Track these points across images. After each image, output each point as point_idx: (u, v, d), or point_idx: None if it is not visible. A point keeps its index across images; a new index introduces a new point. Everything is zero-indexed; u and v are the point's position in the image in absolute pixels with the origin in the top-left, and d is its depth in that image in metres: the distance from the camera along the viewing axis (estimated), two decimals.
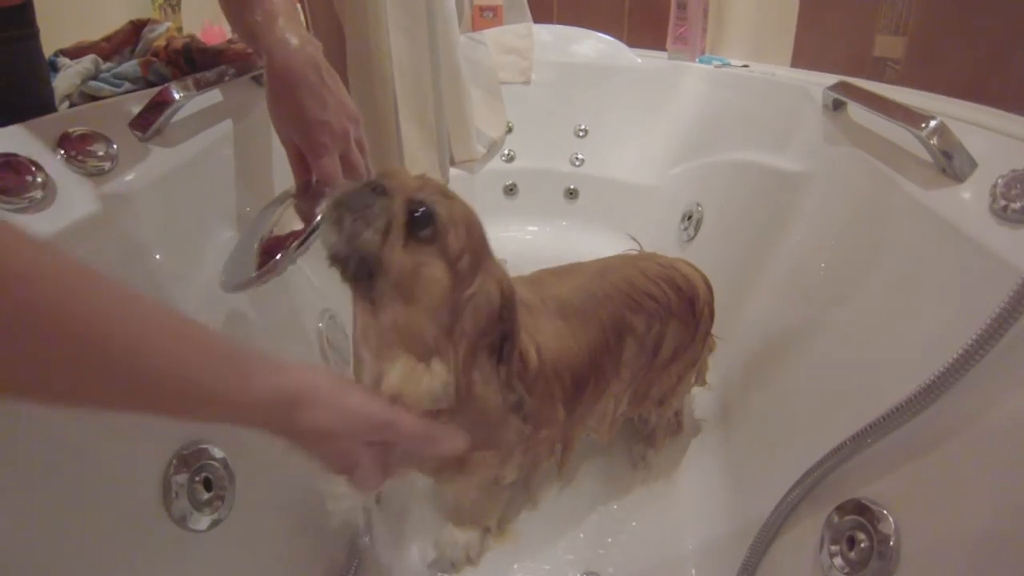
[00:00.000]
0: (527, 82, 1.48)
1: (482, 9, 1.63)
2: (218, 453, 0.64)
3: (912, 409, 0.49)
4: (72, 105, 0.79)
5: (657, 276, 0.70)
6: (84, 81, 0.81)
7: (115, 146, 0.62)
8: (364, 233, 0.45)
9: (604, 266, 0.70)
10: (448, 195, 0.49)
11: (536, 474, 0.69)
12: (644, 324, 0.68)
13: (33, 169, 0.54)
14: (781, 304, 0.83)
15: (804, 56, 1.10)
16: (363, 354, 0.53)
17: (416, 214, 0.46)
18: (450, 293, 0.47)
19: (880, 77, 0.88)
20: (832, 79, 0.97)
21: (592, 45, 1.49)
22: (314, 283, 0.83)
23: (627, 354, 0.68)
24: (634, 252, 0.78)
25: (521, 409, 0.54)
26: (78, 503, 0.51)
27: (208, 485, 0.62)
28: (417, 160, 1.18)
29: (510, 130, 1.46)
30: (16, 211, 0.52)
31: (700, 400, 0.89)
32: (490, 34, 1.51)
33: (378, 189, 0.47)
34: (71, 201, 0.55)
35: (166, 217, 0.65)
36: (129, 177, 0.62)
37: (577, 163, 1.41)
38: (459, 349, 0.49)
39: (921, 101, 0.77)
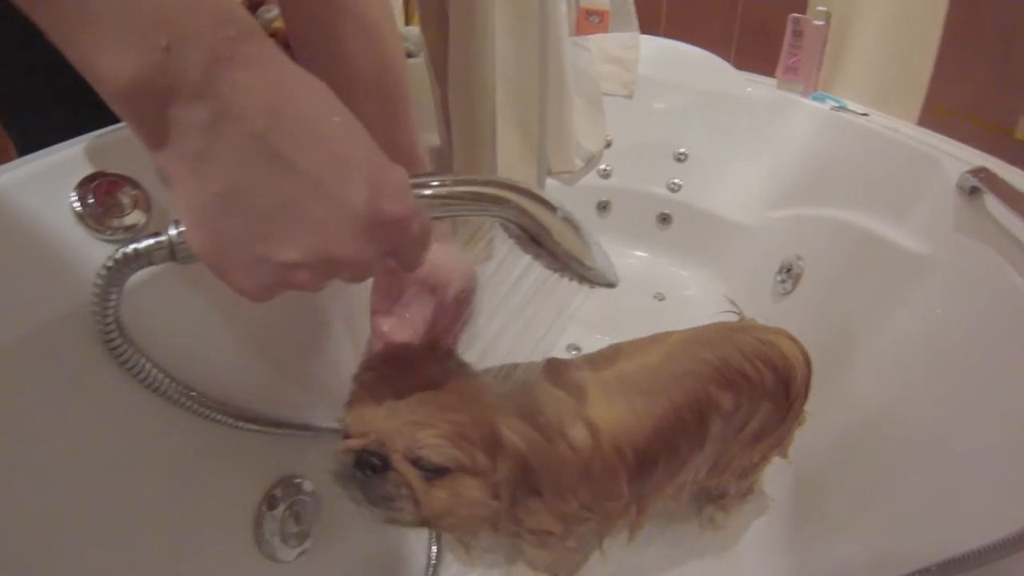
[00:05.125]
0: (629, 96, 1.44)
1: (588, 13, 1.57)
2: (309, 487, 0.67)
3: (1000, 552, 0.50)
4: None
5: (754, 355, 0.68)
6: None
7: None
8: (402, 517, 0.49)
9: (696, 337, 0.69)
10: (434, 410, 0.48)
11: (609, 530, 0.71)
12: (732, 402, 0.67)
13: (129, 188, 0.49)
14: (878, 389, 0.81)
15: (935, 118, 1.04)
16: None
17: (428, 469, 0.48)
18: (485, 488, 0.51)
19: (1021, 164, 0.83)
20: (966, 151, 0.92)
21: (700, 64, 1.44)
22: None
23: (713, 431, 0.67)
24: (732, 320, 0.76)
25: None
26: (176, 537, 0.54)
27: (297, 518, 0.66)
28: (515, 167, 1.17)
29: (608, 145, 1.42)
30: (112, 242, 0.47)
31: (778, 468, 0.90)
32: (594, 40, 1.45)
33: (373, 466, 0.47)
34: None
35: None
36: None
37: (674, 188, 1.38)
38: (502, 511, 0.53)
39: None
